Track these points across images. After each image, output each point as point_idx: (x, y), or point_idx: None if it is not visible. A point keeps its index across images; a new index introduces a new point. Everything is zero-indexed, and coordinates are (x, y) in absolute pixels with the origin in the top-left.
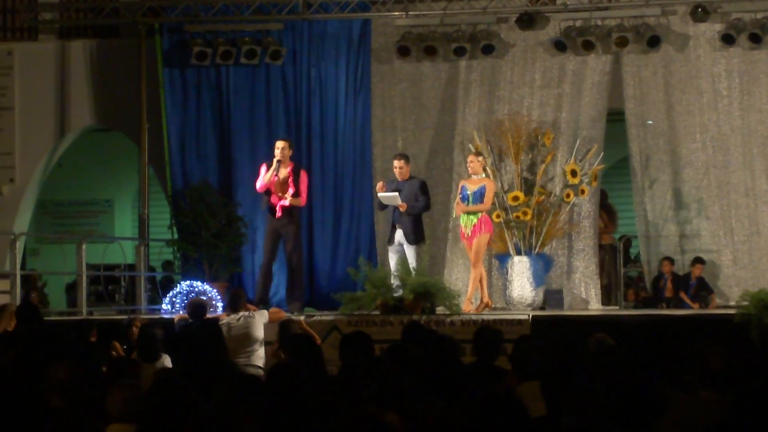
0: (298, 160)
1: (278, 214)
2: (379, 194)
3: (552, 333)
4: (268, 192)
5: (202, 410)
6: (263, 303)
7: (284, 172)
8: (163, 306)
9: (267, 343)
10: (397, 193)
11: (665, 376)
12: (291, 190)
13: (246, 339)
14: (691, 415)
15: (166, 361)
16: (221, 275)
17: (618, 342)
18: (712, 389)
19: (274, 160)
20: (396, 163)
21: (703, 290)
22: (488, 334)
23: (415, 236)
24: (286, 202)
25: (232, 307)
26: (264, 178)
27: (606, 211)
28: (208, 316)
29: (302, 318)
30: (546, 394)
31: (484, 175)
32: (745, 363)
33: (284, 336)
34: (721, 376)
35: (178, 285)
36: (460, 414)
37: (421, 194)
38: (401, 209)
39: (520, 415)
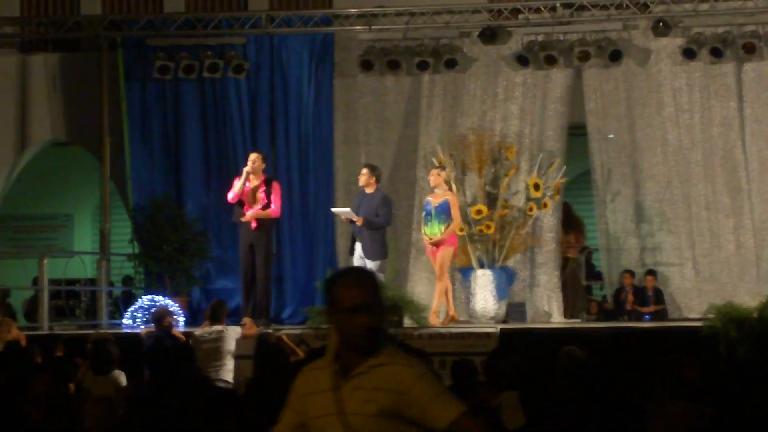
0: (264, 173)
1: (252, 225)
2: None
3: (520, 346)
4: (240, 203)
5: (178, 424)
6: (250, 317)
7: (256, 183)
8: (125, 321)
9: (241, 357)
10: (348, 208)
11: (637, 388)
12: (263, 201)
13: (216, 353)
14: (664, 426)
15: (121, 377)
16: (183, 289)
17: (586, 355)
18: (686, 401)
19: (244, 170)
20: (362, 170)
21: (660, 302)
22: (464, 365)
23: (374, 252)
24: (250, 215)
25: (212, 318)
26: (235, 188)
27: (575, 223)
28: (174, 330)
29: (282, 333)
30: (525, 405)
31: (446, 188)
32: (721, 375)
33: (261, 350)
34: (695, 388)
35: (140, 299)
36: None
37: (382, 209)
38: (357, 223)
39: (495, 428)
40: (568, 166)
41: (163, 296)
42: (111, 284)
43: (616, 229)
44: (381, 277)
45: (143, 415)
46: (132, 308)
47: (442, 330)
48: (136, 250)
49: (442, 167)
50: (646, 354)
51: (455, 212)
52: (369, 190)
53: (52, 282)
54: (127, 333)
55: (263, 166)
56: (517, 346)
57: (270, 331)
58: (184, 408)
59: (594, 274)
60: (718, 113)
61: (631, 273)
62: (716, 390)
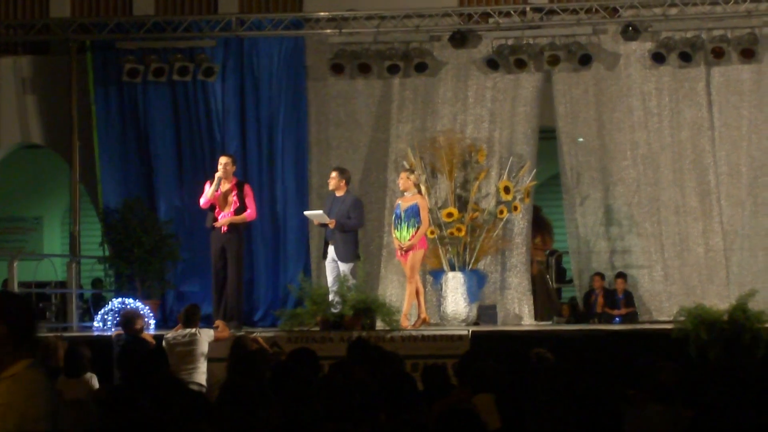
0: (237, 176)
1: (224, 229)
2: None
3: (491, 348)
4: (212, 208)
5: (154, 426)
6: (222, 319)
7: (227, 187)
8: (95, 323)
9: (214, 360)
10: (321, 211)
11: (610, 391)
12: (235, 205)
13: (189, 356)
14: (639, 429)
15: (93, 379)
16: (154, 292)
17: (557, 357)
18: (661, 404)
19: (216, 175)
20: (332, 173)
21: (630, 304)
22: (435, 370)
23: (346, 254)
24: (223, 221)
25: (186, 322)
26: (207, 194)
27: (543, 225)
28: (145, 333)
29: (257, 334)
30: (501, 407)
31: (415, 191)
32: (697, 379)
33: (237, 353)
34: (670, 391)
35: (110, 302)
36: (416, 427)
37: (354, 211)
38: (330, 226)
39: (477, 428)
40: (538, 170)
41: (134, 299)
42: (81, 287)
43: (586, 232)
44: (352, 279)
45: (117, 418)
46: (102, 311)
47: (414, 333)
48: (107, 253)
49: (411, 170)
50: (618, 356)
51: (424, 215)
52: (339, 193)
53: (21, 284)
54: (101, 336)
55: (234, 168)
56: (489, 349)
57: (243, 334)
58: (157, 411)
59: (563, 277)
60: (687, 117)
61: (601, 276)
62: (693, 393)
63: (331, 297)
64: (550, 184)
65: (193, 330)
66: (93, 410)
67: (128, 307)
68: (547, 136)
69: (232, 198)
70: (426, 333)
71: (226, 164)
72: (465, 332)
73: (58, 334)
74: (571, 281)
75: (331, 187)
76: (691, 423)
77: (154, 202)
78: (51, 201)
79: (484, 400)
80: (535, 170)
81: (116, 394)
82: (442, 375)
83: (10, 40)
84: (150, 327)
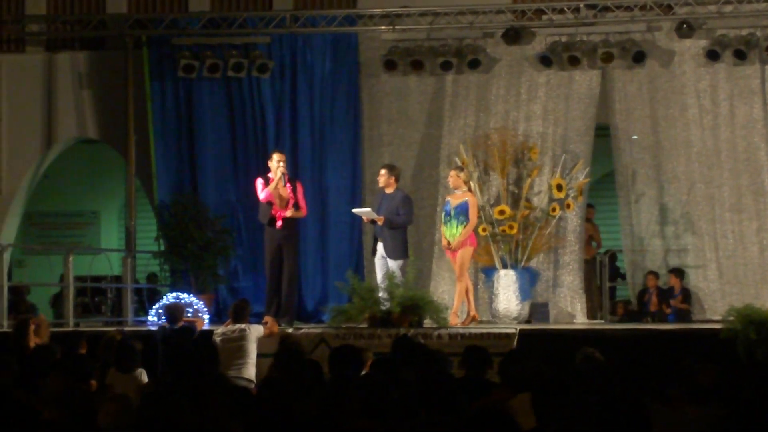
0: (288, 173)
1: (279, 225)
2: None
3: (539, 347)
4: (269, 204)
5: (193, 423)
6: (275, 316)
7: (282, 183)
8: (150, 318)
9: (262, 356)
10: (369, 209)
11: (651, 391)
12: (291, 202)
13: (239, 351)
14: (675, 430)
15: (143, 375)
16: (208, 287)
17: (605, 356)
18: (700, 405)
19: (279, 172)
20: (381, 171)
21: (686, 301)
22: (477, 351)
23: (395, 251)
24: (288, 214)
25: (235, 318)
26: (270, 187)
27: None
28: (194, 325)
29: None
30: (536, 407)
31: (466, 189)
32: (735, 380)
33: (283, 350)
34: (709, 393)
35: (165, 297)
36: (451, 428)
37: (403, 208)
38: (379, 223)
39: (511, 429)
40: (592, 167)
41: (188, 294)
42: (136, 281)
43: (640, 230)
44: (401, 276)
45: (154, 410)
46: (157, 306)
47: (461, 330)
48: (162, 248)
49: (460, 168)
50: (665, 356)
51: (473, 213)
52: (389, 190)
53: (77, 279)
54: (151, 330)
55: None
56: (536, 347)
57: (291, 331)
58: (194, 405)
59: (617, 275)
60: (741, 115)
61: (655, 274)
62: (729, 393)
63: (379, 294)
64: (604, 181)
65: (243, 325)
66: (133, 406)
67: (185, 302)
68: (600, 134)
69: (288, 194)
70: (473, 331)
71: (280, 160)
72: (512, 330)
73: (120, 328)
74: (623, 278)
75: (380, 185)
76: (723, 421)
77: (208, 197)
78: (108, 196)
79: (523, 400)
80: (588, 168)
81: (157, 387)
82: (483, 358)
83: (67, 36)
84: (205, 323)
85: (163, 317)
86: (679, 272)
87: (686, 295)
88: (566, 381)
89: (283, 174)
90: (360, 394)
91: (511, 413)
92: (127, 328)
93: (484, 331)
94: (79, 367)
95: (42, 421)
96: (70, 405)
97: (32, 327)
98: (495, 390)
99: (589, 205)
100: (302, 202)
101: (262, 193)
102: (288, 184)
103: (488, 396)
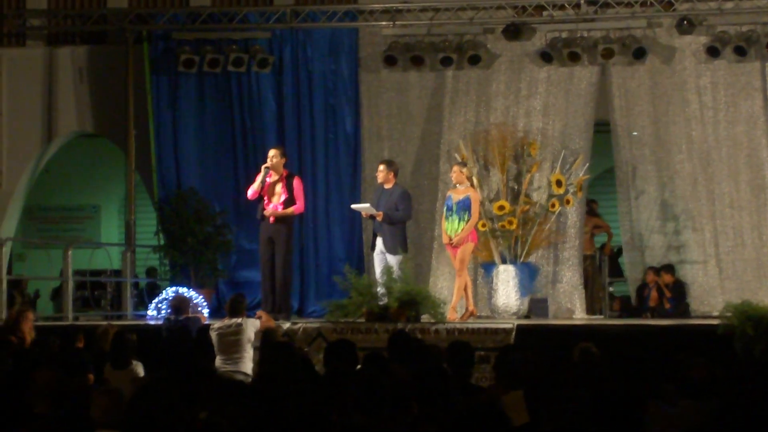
0: (288, 168)
1: (272, 220)
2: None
3: (536, 342)
4: (261, 199)
5: (186, 416)
6: (271, 311)
7: (276, 178)
8: (149, 312)
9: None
10: (368, 204)
11: (647, 386)
12: (284, 197)
13: (235, 345)
14: (670, 424)
15: (138, 368)
16: (207, 282)
17: (602, 351)
18: (693, 399)
19: (263, 167)
20: (379, 166)
21: (680, 296)
22: (461, 347)
23: (393, 246)
24: (279, 209)
25: (231, 312)
26: (254, 185)
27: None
28: (198, 318)
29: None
30: (529, 402)
31: (468, 184)
32: (727, 375)
33: (266, 344)
34: (702, 387)
35: (164, 291)
36: (443, 422)
37: (402, 203)
38: (378, 218)
39: (503, 425)
40: (591, 163)
41: (188, 288)
42: (136, 276)
43: (640, 226)
44: (399, 271)
45: (145, 403)
46: (156, 300)
47: (458, 325)
48: (162, 242)
49: (464, 163)
50: (663, 352)
51: (475, 209)
52: (388, 186)
53: (77, 273)
54: (147, 324)
55: (283, 161)
56: (534, 343)
57: (273, 326)
58: (186, 398)
59: (616, 272)
60: (742, 111)
61: (655, 270)
62: (722, 388)
63: (378, 289)
64: (604, 177)
65: (239, 320)
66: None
67: (183, 295)
68: (601, 129)
69: (281, 189)
70: (471, 326)
71: (273, 156)
72: (509, 325)
73: (111, 322)
74: (622, 274)
75: (379, 180)
76: (716, 415)
77: (208, 192)
78: (108, 190)
79: (517, 396)
80: (588, 164)
81: (147, 382)
82: (467, 352)
83: (68, 30)
84: (206, 318)
85: (169, 309)
86: (668, 268)
87: (680, 287)
88: (561, 376)
89: (266, 168)
90: (353, 389)
91: (503, 409)
92: (125, 323)
93: (481, 326)
94: (76, 360)
95: (34, 414)
96: (62, 399)
97: (27, 320)
98: (489, 387)
99: (593, 200)
100: (299, 199)
101: (249, 190)
102: (283, 180)
103: (481, 392)
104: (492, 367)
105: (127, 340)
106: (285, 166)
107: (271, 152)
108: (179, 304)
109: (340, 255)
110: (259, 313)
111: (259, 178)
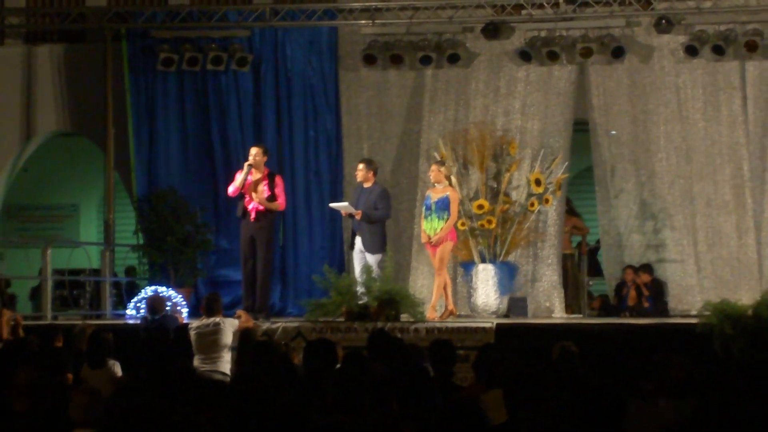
0: (268, 166)
1: (252, 218)
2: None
3: (516, 341)
4: (242, 197)
5: (165, 416)
6: (251, 310)
7: (258, 176)
8: (128, 311)
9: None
10: (346, 203)
11: (626, 385)
12: (266, 194)
13: (214, 345)
14: (649, 423)
15: (116, 368)
16: (187, 281)
17: (582, 350)
18: (671, 398)
19: (245, 164)
20: (359, 165)
21: (659, 295)
22: (442, 345)
23: (373, 245)
24: (261, 207)
25: (207, 312)
26: (236, 182)
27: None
28: (176, 317)
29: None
30: (508, 401)
31: (447, 183)
32: (706, 373)
33: (245, 344)
34: (681, 386)
35: (143, 290)
36: (422, 421)
37: (381, 202)
38: (356, 217)
39: (481, 424)
40: (570, 162)
41: (167, 287)
42: (115, 275)
43: (618, 225)
44: (378, 270)
45: (124, 403)
46: (136, 299)
47: (438, 324)
48: (141, 241)
49: (442, 162)
50: (641, 350)
51: (454, 208)
52: (367, 185)
53: (55, 272)
54: (125, 324)
55: (265, 159)
56: (513, 342)
57: (251, 325)
58: (162, 401)
59: (595, 270)
60: (721, 110)
61: (633, 269)
62: (701, 387)
63: (357, 288)
64: (583, 176)
65: (217, 319)
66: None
67: (163, 295)
68: (579, 129)
69: (263, 187)
70: (450, 325)
71: (255, 154)
72: (489, 324)
73: (87, 322)
74: (601, 273)
75: (358, 179)
76: (694, 413)
77: (187, 190)
78: (87, 189)
79: (496, 395)
80: (567, 163)
81: (125, 382)
82: (449, 350)
83: (46, 29)
84: (183, 315)
85: (144, 310)
86: (646, 267)
87: (658, 286)
88: (541, 375)
89: (249, 165)
90: (333, 388)
91: (482, 408)
92: (104, 322)
93: (460, 325)
94: (55, 359)
95: (12, 413)
96: (41, 398)
97: (5, 319)
98: (468, 387)
99: (568, 199)
100: (280, 197)
101: (230, 187)
102: (264, 178)
103: (461, 391)
104: (471, 366)
105: (104, 339)
106: (265, 164)
107: (253, 150)
108: (154, 304)
109: (320, 254)
110: (239, 312)
111: (241, 176)
